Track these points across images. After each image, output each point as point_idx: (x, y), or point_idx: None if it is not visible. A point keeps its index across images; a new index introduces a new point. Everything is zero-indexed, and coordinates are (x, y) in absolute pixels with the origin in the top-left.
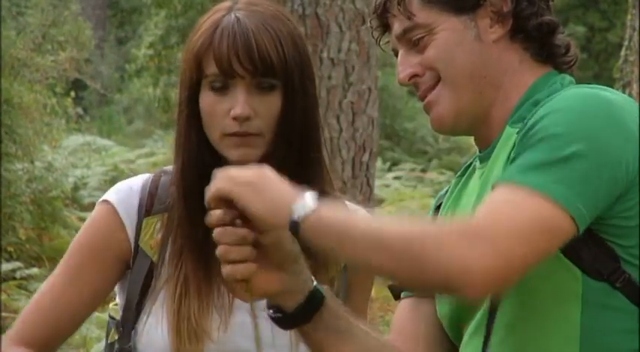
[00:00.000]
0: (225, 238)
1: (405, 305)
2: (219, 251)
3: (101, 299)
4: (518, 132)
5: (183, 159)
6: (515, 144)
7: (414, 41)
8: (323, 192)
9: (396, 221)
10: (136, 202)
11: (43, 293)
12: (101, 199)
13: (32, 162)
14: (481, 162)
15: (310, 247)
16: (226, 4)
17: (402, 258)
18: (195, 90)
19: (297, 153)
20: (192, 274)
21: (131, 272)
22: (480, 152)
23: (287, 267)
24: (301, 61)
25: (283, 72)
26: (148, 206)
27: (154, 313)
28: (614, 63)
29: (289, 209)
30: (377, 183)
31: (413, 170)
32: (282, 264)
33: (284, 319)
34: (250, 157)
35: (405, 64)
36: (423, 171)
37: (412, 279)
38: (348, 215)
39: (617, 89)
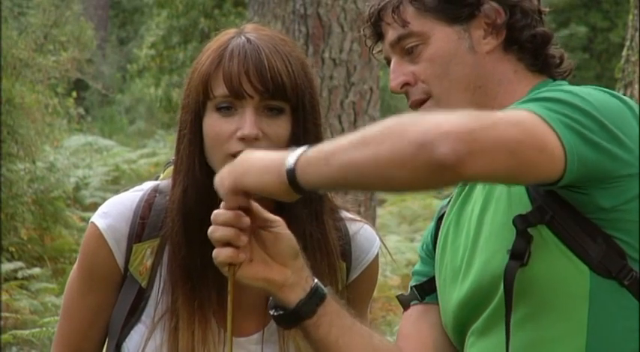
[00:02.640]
0: (217, 218)
1: (412, 312)
2: (209, 229)
3: (107, 317)
4: None
5: (186, 185)
6: None
7: (407, 49)
8: (329, 213)
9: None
10: (125, 229)
11: (65, 315)
12: (92, 219)
13: (34, 162)
14: None
15: (312, 193)
16: (234, 29)
17: (384, 142)
18: (199, 113)
19: None
20: (184, 303)
21: (120, 294)
22: None
23: (287, 262)
24: (310, 86)
25: (294, 94)
26: (138, 232)
27: (145, 336)
28: (616, 63)
29: (282, 164)
30: None
31: None
32: (282, 259)
33: (287, 316)
34: None
35: (398, 72)
36: None
37: (397, 161)
38: (332, 142)
39: (619, 89)
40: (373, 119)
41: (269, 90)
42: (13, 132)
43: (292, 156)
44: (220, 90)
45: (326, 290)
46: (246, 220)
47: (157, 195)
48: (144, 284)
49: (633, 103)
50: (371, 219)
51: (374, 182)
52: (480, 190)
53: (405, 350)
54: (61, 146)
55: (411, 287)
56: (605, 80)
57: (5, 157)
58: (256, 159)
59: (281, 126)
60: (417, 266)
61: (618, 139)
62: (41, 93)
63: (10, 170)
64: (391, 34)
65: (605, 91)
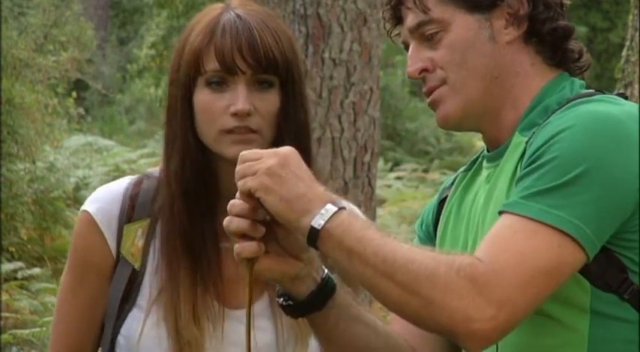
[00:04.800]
0: (232, 208)
1: None
2: (225, 220)
3: (103, 310)
4: (527, 142)
5: (183, 158)
6: (523, 153)
7: (427, 36)
8: None
9: (406, 248)
10: (115, 210)
11: (58, 315)
12: (82, 208)
13: (34, 162)
14: (488, 161)
15: (324, 255)
16: (220, 5)
17: (409, 293)
18: (190, 89)
19: None
20: (186, 276)
21: (112, 281)
22: (487, 151)
23: (298, 254)
24: (296, 59)
25: (285, 68)
26: (128, 213)
27: (142, 319)
28: (616, 63)
29: (309, 213)
30: (378, 183)
31: (415, 170)
32: (294, 251)
33: (295, 307)
34: None
35: (416, 58)
36: (425, 171)
37: (416, 316)
38: (362, 232)
39: (619, 89)
40: (373, 119)
41: (262, 65)
42: (13, 132)
43: (323, 216)
44: (212, 65)
45: (336, 280)
46: (262, 212)
47: (145, 178)
48: (137, 266)
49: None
50: (371, 219)
51: (383, 302)
52: (483, 180)
53: (403, 333)
54: (61, 146)
55: None
56: (605, 80)
57: (5, 157)
58: (289, 184)
59: (271, 101)
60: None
61: (625, 185)
62: (41, 93)
63: (10, 170)
64: (411, 19)
65: (609, 115)
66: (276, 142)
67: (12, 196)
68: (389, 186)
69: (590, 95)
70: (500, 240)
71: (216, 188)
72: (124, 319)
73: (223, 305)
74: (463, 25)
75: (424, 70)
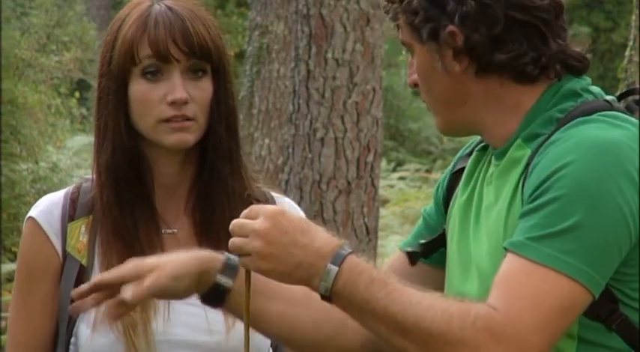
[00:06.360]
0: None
1: (403, 259)
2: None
3: (56, 313)
4: (530, 156)
5: (113, 148)
6: (526, 166)
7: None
8: (248, 180)
9: (415, 302)
10: (57, 211)
11: (11, 326)
12: (27, 216)
13: (37, 162)
14: (495, 158)
15: None
16: None
17: (425, 348)
18: (124, 80)
19: (227, 138)
20: (119, 260)
21: (61, 279)
22: (493, 149)
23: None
24: (224, 47)
25: (217, 56)
26: (70, 211)
27: (91, 312)
28: (619, 63)
29: (312, 280)
30: (381, 183)
31: (417, 170)
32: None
33: (206, 296)
34: (186, 143)
35: (411, 70)
36: (428, 171)
37: None
38: (368, 293)
39: (622, 89)
40: (376, 119)
41: (195, 53)
42: (16, 133)
43: (327, 282)
44: (147, 54)
45: (237, 261)
46: None
47: (84, 181)
48: (84, 261)
49: None
50: (374, 219)
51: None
52: (490, 181)
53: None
54: (64, 146)
55: (421, 244)
56: (608, 80)
57: (8, 157)
58: (283, 258)
59: (205, 88)
60: (428, 211)
61: (626, 220)
62: (44, 93)
63: (12, 170)
64: (400, 34)
65: (612, 143)
66: (210, 129)
67: (15, 196)
68: (392, 186)
69: (592, 110)
70: (513, 286)
71: (151, 176)
72: (76, 318)
73: None
74: (420, 54)
75: (416, 84)
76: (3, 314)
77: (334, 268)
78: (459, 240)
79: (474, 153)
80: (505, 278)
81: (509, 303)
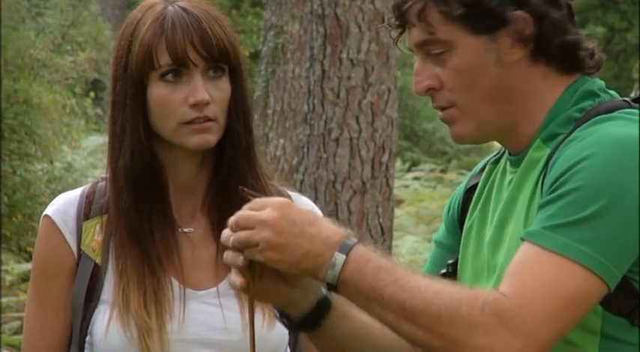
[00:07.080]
0: (229, 258)
1: None
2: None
3: (70, 311)
4: (549, 155)
5: (132, 152)
6: (545, 166)
7: (432, 53)
8: (264, 178)
9: (423, 288)
10: (73, 210)
11: (27, 325)
12: (42, 214)
13: (52, 162)
14: (512, 165)
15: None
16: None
17: (433, 335)
18: (142, 84)
19: (245, 136)
20: (134, 266)
21: (75, 278)
22: (510, 155)
23: (293, 281)
24: (239, 46)
25: (234, 56)
26: (86, 210)
27: (107, 315)
28: (634, 63)
29: (320, 269)
30: (396, 183)
31: (432, 170)
32: (288, 277)
33: (290, 324)
34: (208, 143)
35: (422, 75)
36: (443, 171)
37: (442, 351)
38: (375, 280)
39: (636, 89)
40: (391, 119)
41: (214, 56)
42: (31, 133)
43: (334, 270)
44: (166, 60)
45: (332, 298)
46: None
47: (101, 180)
48: (98, 260)
49: None
50: (389, 219)
51: (408, 342)
52: (505, 187)
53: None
54: (79, 146)
55: (448, 264)
56: (624, 80)
57: (23, 158)
58: (292, 248)
59: (223, 89)
60: (440, 235)
61: None
62: (59, 93)
63: (27, 170)
64: (416, 36)
65: (633, 139)
66: (229, 128)
67: (30, 196)
68: (406, 187)
69: (612, 108)
70: (524, 274)
71: (166, 179)
72: (91, 316)
73: (185, 287)
74: (469, 48)
75: (431, 88)
76: (18, 314)
77: (342, 256)
78: (474, 251)
79: (487, 166)
80: (518, 266)
81: (519, 291)
